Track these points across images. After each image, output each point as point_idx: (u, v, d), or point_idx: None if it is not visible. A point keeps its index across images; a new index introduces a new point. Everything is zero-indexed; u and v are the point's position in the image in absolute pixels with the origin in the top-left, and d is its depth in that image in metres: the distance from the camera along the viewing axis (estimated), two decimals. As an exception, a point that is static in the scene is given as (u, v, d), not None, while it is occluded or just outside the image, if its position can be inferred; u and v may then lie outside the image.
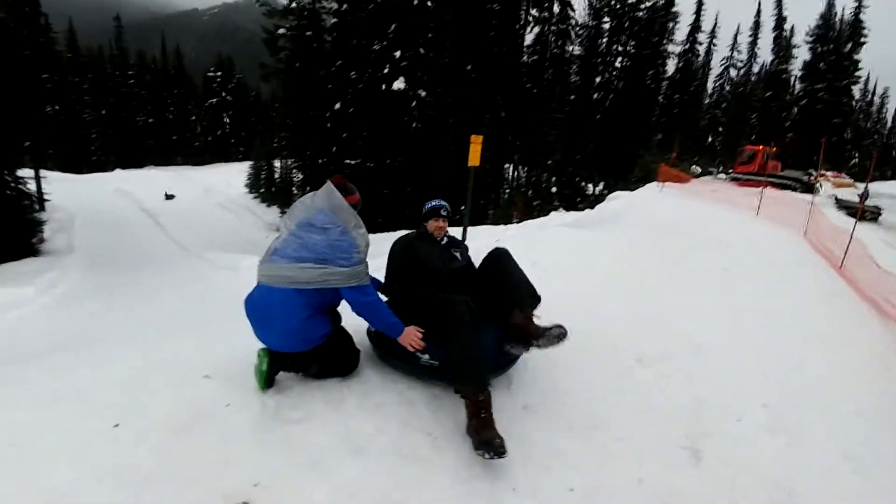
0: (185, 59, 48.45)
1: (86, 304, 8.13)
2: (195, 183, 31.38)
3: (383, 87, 14.03)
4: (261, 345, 2.27)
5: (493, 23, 19.79)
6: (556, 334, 2.27)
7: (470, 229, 7.15)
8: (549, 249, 5.38)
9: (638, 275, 4.63)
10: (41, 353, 3.74)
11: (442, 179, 13.86)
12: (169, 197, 26.79)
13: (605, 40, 29.14)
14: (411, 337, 2.24)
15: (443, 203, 2.93)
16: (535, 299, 2.53)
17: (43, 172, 21.92)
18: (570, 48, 28.26)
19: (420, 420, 2.19)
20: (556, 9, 26.38)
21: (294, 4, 18.30)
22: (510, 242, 5.70)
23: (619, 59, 29.06)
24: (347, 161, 14.31)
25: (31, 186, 18.71)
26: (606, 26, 28.88)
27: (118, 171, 34.97)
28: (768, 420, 2.52)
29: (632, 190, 13.39)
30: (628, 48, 28.54)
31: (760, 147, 20.31)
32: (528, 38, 26.24)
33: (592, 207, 11.75)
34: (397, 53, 13.98)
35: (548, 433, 2.22)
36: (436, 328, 2.28)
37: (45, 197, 21.06)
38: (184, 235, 18.74)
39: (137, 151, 42.20)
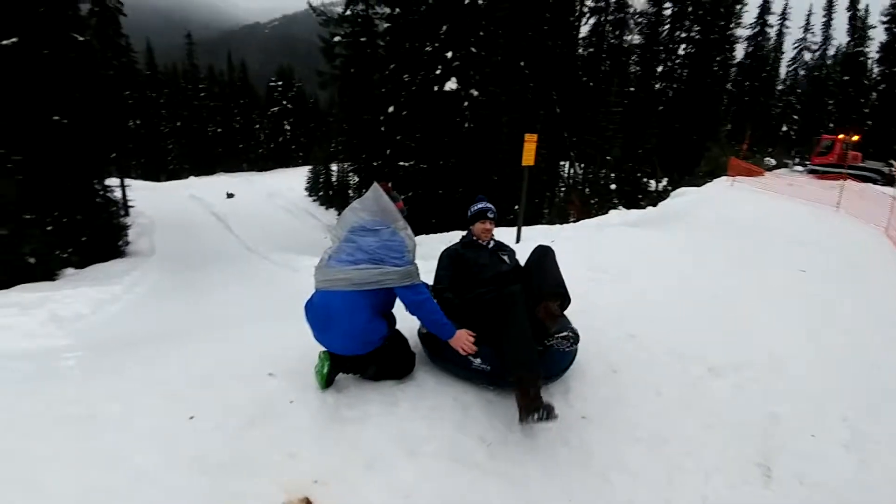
0: (248, 70, 51.46)
1: (165, 300, 8.83)
2: (259, 187, 33.26)
3: (435, 88, 14.13)
4: (321, 347, 2.35)
5: (546, 16, 19.36)
6: (565, 336, 2.26)
7: (524, 229, 7.03)
8: (609, 250, 5.14)
9: (708, 278, 4.33)
10: (132, 345, 4.14)
11: (495, 179, 13.74)
12: (229, 196, 29.66)
13: (666, 27, 27.50)
14: (462, 340, 2.24)
15: (489, 206, 2.92)
16: (561, 297, 2.47)
17: (127, 181, 24.18)
18: (629, 38, 26.98)
19: (474, 425, 2.17)
20: (613, -3, 25.28)
21: (349, 12, 18.90)
22: (566, 243, 5.50)
23: (683, 46, 27.32)
24: (401, 163, 14.56)
25: (118, 194, 20.69)
26: (668, 12, 27.28)
27: (192, 178, 37.82)
28: (847, 436, 2.30)
29: (699, 185, 12.55)
30: (692, 34, 26.77)
31: (839, 136, 18.47)
32: (584, 30, 25.39)
33: (655, 205, 11.12)
34: (449, 54, 14.02)
35: (608, 445, 2.13)
36: (488, 328, 2.29)
37: (130, 204, 23.19)
38: (249, 236, 19.93)
39: (208, 159, 45.39)
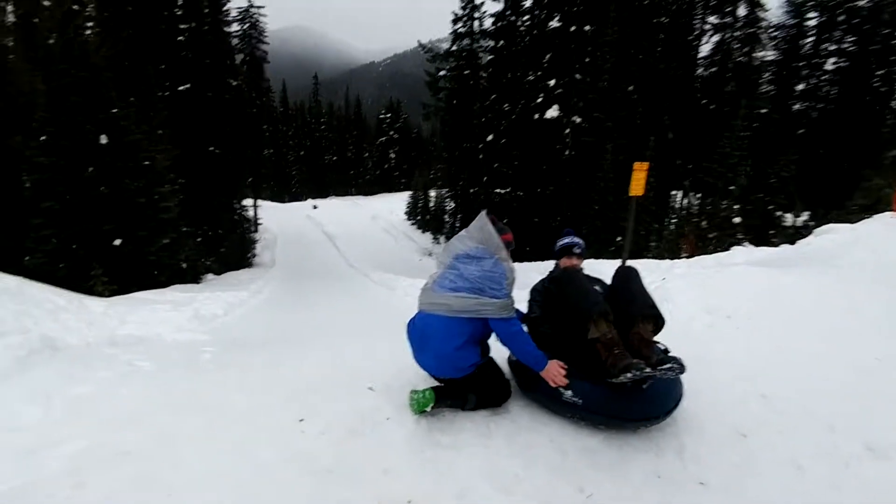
0: (362, 105, 56.46)
1: (281, 307, 9.81)
2: (364, 210, 35.76)
3: (536, 116, 14.15)
4: (417, 367, 2.44)
5: (659, 37, 18.48)
6: (669, 368, 2.06)
7: (629, 263, 6.59)
8: (732, 292, 4.47)
9: (865, 336, 3.43)
10: (254, 345, 4.66)
11: (596, 208, 13.21)
12: (315, 207, 35.68)
13: (810, 40, 24.35)
14: (553, 372, 2.18)
15: (576, 240, 2.84)
16: (654, 318, 2.32)
17: (258, 202, 27.59)
18: (761, 54, 24.39)
19: (572, 472, 2.04)
20: (741, 11, 23.22)
21: (454, 47, 19.92)
22: (678, 281, 5.00)
23: (832, 59, 23.89)
24: (497, 190, 14.70)
25: (250, 213, 23.71)
26: (811, 23, 24.17)
27: (309, 201, 41.95)
28: None
29: (853, 221, 10.56)
30: (845, 45, 23.32)
31: None
32: (704, 49, 23.58)
33: (793, 242, 9.60)
34: (552, 82, 14.01)
35: (732, 519, 1.83)
36: (582, 360, 2.19)
37: (259, 221, 26.35)
38: (353, 254, 21.42)
39: (324, 184, 50.18)
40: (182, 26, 15.94)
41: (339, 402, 2.39)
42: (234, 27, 24.87)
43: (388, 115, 51.39)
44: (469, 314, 2.22)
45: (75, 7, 12.29)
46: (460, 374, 2.29)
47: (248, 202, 23.72)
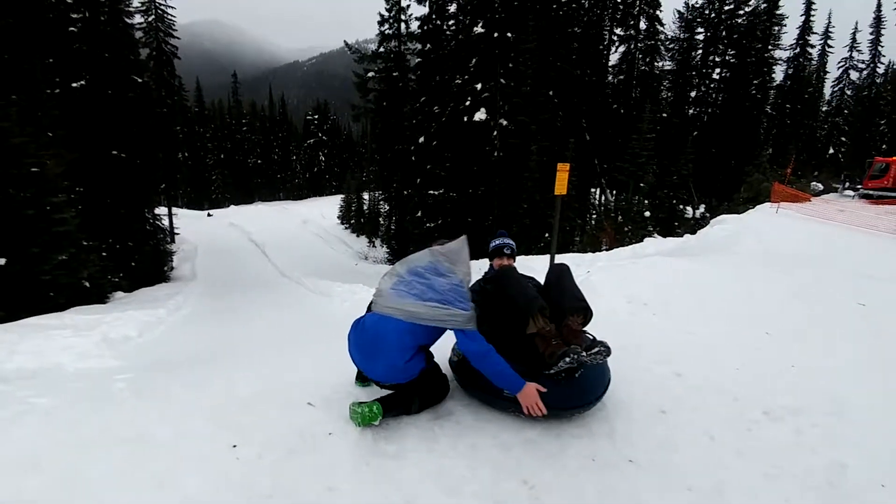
0: (287, 105, 54.18)
1: (205, 324, 9.09)
2: (294, 215, 34.36)
3: (465, 118, 14.44)
4: (354, 377, 2.46)
5: (574, 45, 19.66)
6: (597, 352, 2.25)
7: (557, 257, 6.93)
8: (647, 282, 4.94)
9: (758, 314, 4.06)
10: (176, 367, 4.28)
11: (525, 207, 13.74)
12: (209, 215, 33.16)
13: (699, 52, 27.39)
14: (532, 398, 2.15)
15: (506, 241, 2.96)
16: (583, 311, 2.50)
17: (174, 210, 25.53)
18: (660, 64, 26.96)
19: (516, 466, 2.10)
20: (642, 25, 25.47)
21: (382, 49, 19.80)
22: (601, 274, 5.36)
23: (717, 70, 27.03)
24: (431, 191, 14.80)
25: (165, 222, 21.86)
26: (700, 37, 27.17)
27: (232, 207, 39.52)
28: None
29: (740, 212, 12.08)
30: (727, 58, 26.47)
31: (894, 158, 17.52)
32: (613, 58, 25.55)
33: (694, 233, 10.72)
34: (478, 86, 14.37)
35: (659, 493, 2.00)
36: (517, 355, 2.31)
37: (175, 231, 24.36)
38: (284, 262, 20.45)
39: (248, 189, 47.51)
40: (74, 16, 14.29)
41: (275, 421, 2.28)
42: (138, 19, 22.84)
43: (316, 117, 49.83)
44: (435, 323, 2.24)
45: None
46: (407, 380, 2.32)
47: (162, 210, 21.82)
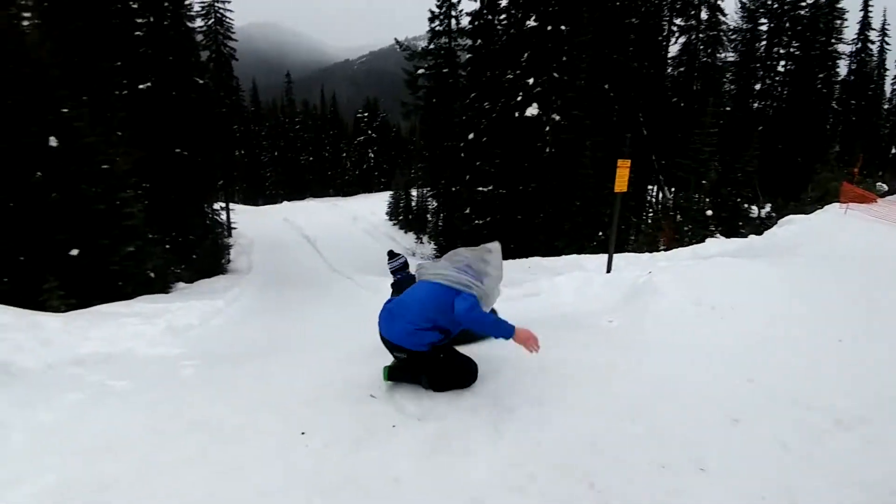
0: (338, 103, 55.61)
1: (260, 315, 9.44)
2: (344, 211, 35.23)
3: (516, 114, 14.14)
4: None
5: (631, 37, 18.81)
6: None
7: (615, 256, 6.61)
8: (714, 284, 4.65)
9: (829, 319, 3.77)
10: (237, 356, 4.44)
11: (578, 204, 13.31)
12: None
13: (763, 43, 25.70)
14: (527, 337, 2.39)
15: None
16: None
17: (231, 205, 26.79)
18: (722, 55, 25.45)
19: (582, 468, 2.01)
20: (703, 15, 24.08)
21: (432, 46, 19.78)
22: (664, 275, 5.06)
23: (782, 62, 25.27)
24: (480, 188, 14.64)
25: (223, 217, 22.99)
26: (764, 28, 25.49)
27: (285, 203, 41.08)
28: None
29: (807, 212, 11.16)
30: (791, 50, 24.71)
31: None
32: (673, 50, 24.36)
33: (759, 233, 10.01)
34: (530, 80, 14.01)
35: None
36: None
37: (233, 225, 25.56)
38: (334, 257, 21.00)
39: (300, 185, 49.22)
40: (139, 20, 15.17)
41: (340, 413, 2.31)
42: (199, 23, 24.05)
43: (366, 114, 50.77)
44: (457, 285, 2.45)
45: None
46: (415, 348, 2.46)
47: (220, 205, 22.95)
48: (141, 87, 15.24)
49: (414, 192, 30.61)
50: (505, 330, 2.39)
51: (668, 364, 2.79)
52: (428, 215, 27.37)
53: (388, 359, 3.04)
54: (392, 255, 4.18)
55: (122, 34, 14.70)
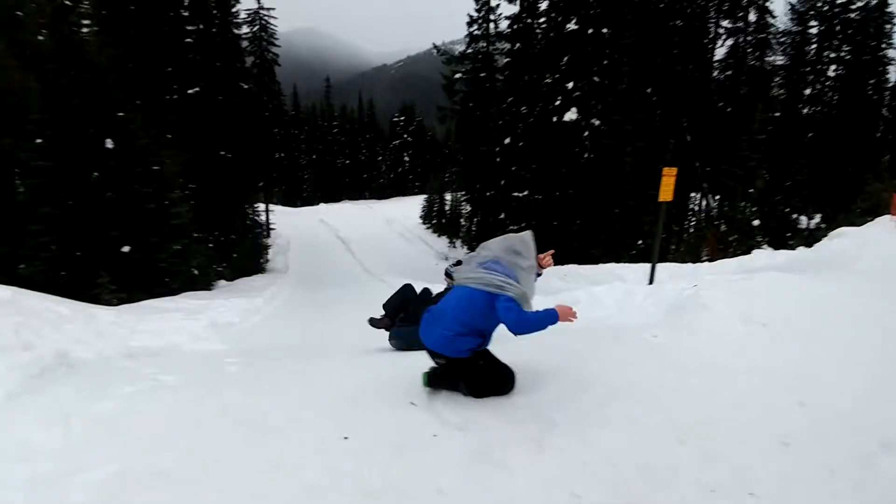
0: (375, 108, 56.58)
1: (297, 314, 9.67)
2: (379, 214, 35.76)
3: (554, 119, 13.97)
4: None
5: (675, 40, 18.25)
6: None
7: (656, 267, 6.38)
8: (764, 300, 4.41)
9: (883, 339, 3.49)
10: (281, 354, 4.60)
11: (616, 211, 13.00)
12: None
13: (813, 47, 24.46)
14: (568, 313, 2.47)
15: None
16: None
17: (270, 206, 27.62)
18: (771, 58, 24.33)
19: (629, 490, 1.94)
20: (752, 17, 23.10)
21: (470, 50, 19.83)
22: (712, 289, 4.87)
23: (833, 66, 23.98)
24: (515, 193, 14.54)
25: (262, 218, 23.73)
26: (814, 31, 24.25)
27: (322, 205, 42.06)
28: None
29: (858, 224, 10.50)
30: (842, 54, 23.43)
31: None
32: (719, 53, 23.49)
33: (809, 245, 9.49)
34: (570, 84, 13.83)
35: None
36: None
37: (271, 226, 26.34)
38: (368, 259, 21.33)
39: (336, 188, 50.31)
40: (189, 27, 15.87)
41: (381, 417, 2.32)
42: (244, 29, 24.98)
43: (402, 118, 51.44)
44: (492, 288, 2.41)
45: (67, 2, 12.10)
46: (452, 355, 2.48)
47: (260, 206, 23.70)
48: (189, 91, 15.94)
49: (448, 196, 30.70)
50: (552, 318, 2.43)
51: (715, 384, 2.68)
52: (461, 219, 27.40)
53: (425, 363, 3.08)
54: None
55: (173, 41, 15.45)
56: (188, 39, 15.75)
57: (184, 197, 12.26)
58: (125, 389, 2.78)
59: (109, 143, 10.00)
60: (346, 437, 2.12)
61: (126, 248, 10.07)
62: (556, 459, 2.06)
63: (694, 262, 9.37)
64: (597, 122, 13.65)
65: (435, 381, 2.59)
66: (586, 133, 13.77)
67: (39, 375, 2.84)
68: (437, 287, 5.13)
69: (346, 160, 52.45)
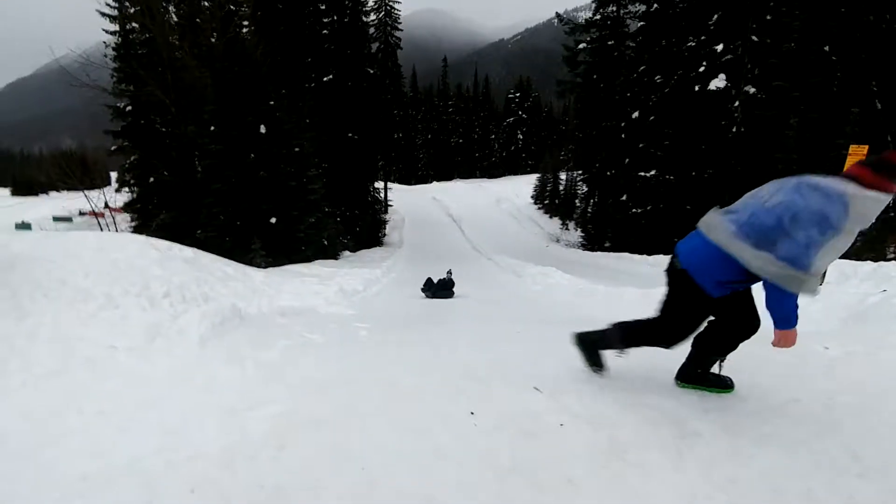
0: (490, 84, 56.07)
1: (412, 285, 10.13)
2: (489, 193, 35.83)
3: (696, 88, 12.37)
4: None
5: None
6: None
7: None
8: None
9: None
10: (401, 323, 4.85)
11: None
12: (22, 226, 23.22)
13: None
14: (792, 340, 1.97)
15: None
16: None
17: (388, 185, 29.29)
18: None
19: None
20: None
21: (597, 16, 18.41)
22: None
23: None
24: (641, 173, 13.32)
25: (381, 195, 25.30)
26: None
27: (434, 183, 43.45)
28: None
29: None
30: None
31: None
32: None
33: None
34: (719, 47, 12.06)
35: None
36: None
37: (389, 203, 27.97)
38: (477, 237, 21.58)
39: (449, 167, 51.47)
40: (325, 19, 17.22)
41: (506, 399, 2.31)
42: (371, 17, 26.29)
43: (517, 95, 50.42)
44: (741, 261, 1.90)
45: (233, 7, 13.91)
46: (715, 291, 2.03)
47: (379, 184, 25.29)
48: (325, 79, 17.40)
49: (563, 176, 29.52)
50: (791, 322, 1.95)
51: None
52: (577, 200, 26.17)
53: (545, 346, 3.00)
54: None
55: (312, 32, 16.96)
56: (325, 31, 17.14)
57: (318, 175, 13.62)
58: (282, 342, 3.21)
59: (262, 129, 11.54)
60: (472, 412, 2.14)
61: (273, 220, 11.65)
62: (701, 472, 1.85)
63: (876, 259, 7.68)
64: (751, 90, 11.73)
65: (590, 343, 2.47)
66: (736, 103, 11.93)
67: (221, 324, 3.40)
68: None
69: (459, 139, 53.24)
